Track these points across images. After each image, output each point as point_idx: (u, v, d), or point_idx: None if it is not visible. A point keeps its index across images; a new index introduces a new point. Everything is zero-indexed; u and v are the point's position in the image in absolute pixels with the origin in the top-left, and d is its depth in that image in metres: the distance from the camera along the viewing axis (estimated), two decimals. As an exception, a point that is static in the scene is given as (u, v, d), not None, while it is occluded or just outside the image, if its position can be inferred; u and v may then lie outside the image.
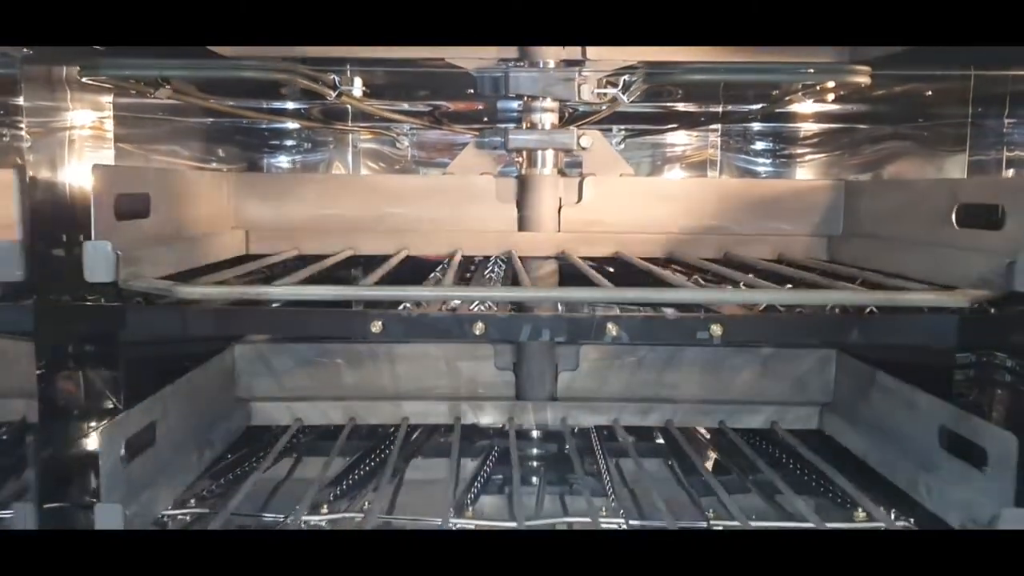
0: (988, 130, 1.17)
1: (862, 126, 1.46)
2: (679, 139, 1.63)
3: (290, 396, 1.26)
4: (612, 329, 0.85)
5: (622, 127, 1.57)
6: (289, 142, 1.64)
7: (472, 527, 0.95)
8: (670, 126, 1.52)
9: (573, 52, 1.07)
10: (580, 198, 1.20)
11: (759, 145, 1.61)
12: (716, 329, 0.85)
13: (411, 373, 1.26)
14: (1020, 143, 1.10)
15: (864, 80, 0.96)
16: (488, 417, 1.23)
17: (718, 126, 1.59)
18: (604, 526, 0.96)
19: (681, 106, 1.43)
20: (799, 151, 1.57)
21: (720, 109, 1.44)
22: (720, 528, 0.95)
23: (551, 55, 1.06)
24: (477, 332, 0.86)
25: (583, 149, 1.16)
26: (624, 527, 0.95)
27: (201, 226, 1.09)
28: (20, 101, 0.88)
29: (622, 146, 1.60)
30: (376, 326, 0.85)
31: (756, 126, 1.58)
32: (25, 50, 0.83)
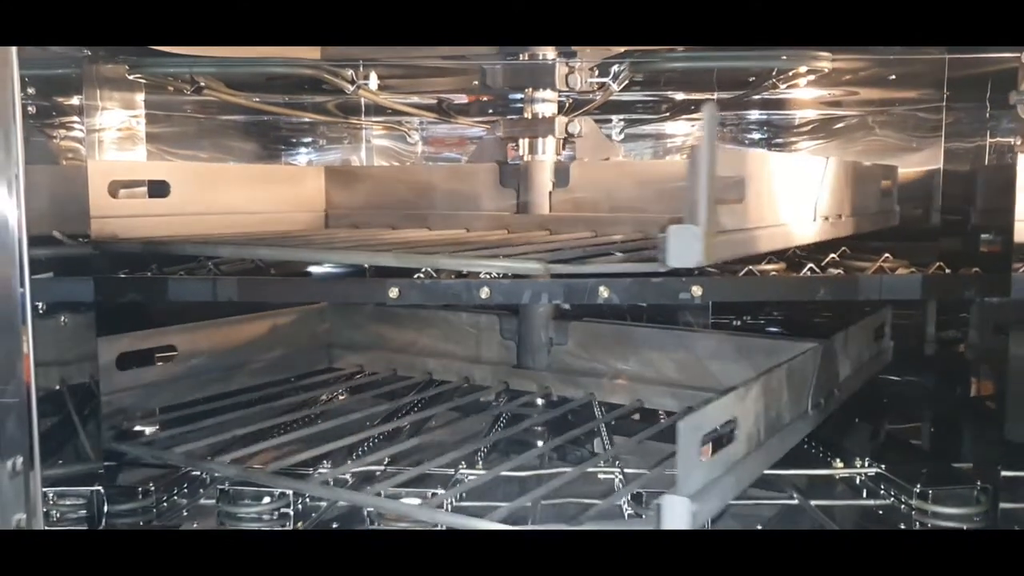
0: (966, 115, 1.22)
1: (846, 112, 1.52)
2: (678, 129, 1.71)
3: (358, 347, 1.45)
4: (604, 292, 0.95)
5: (620, 117, 1.67)
6: (307, 139, 1.74)
7: (480, 479, 1.06)
8: (663, 114, 1.61)
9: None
10: (567, 182, 1.26)
11: (754, 135, 1.70)
12: (696, 290, 0.95)
13: (437, 336, 1.38)
14: (1005, 130, 1.10)
15: (825, 65, 1.05)
16: (492, 379, 1.31)
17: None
18: (601, 476, 1.07)
19: (671, 94, 1.50)
20: (792, 139, 1.65)
21: (712, 96, 1.51)
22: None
23: (544, 49, 1.14)
24: (483, 296, 0.95)
25: (570, 135, 1.23)
26: (619, 477, 1.05)
27: (260, 207, 1.31)
28: (76, 101, 0.98)
29: (621, 136, 1.70)
30: (393, 292, 0.96)
31: (751, 115, 1.66)
32: (86, 50, 0.93)
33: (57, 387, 0.90)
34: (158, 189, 1.18)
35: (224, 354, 1.33)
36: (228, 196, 1.28)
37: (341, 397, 1.37)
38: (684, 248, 0.72)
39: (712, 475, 0.74)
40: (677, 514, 0.69)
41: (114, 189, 1.10)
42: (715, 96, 1.51)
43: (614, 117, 1.66)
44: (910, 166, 1.37)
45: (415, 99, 1.47)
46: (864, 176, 1.11)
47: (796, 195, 0.92)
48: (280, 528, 1.00)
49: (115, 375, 1.15)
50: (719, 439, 0.82)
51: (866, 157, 1.46)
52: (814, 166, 0.98)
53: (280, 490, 1.01)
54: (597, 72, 1.10)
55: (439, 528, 0.89)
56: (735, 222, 0.79)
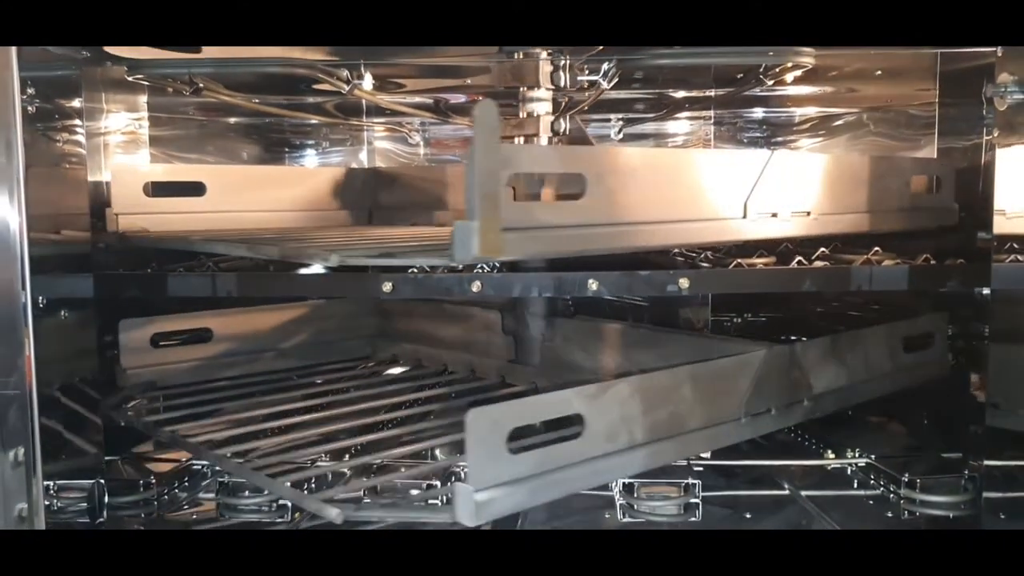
0: (958, 111, 1.20)
1: (840, 110, 1.53)
2: (679, 128, 1.73)
3: (396, 338, 1.50)
4: (592, 284, 0.96)
5: (619, 116, 1.68)
6: (310, 141, 1.76)
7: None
8: (660, 112, 1.62)
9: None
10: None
11: (753, 133, 1.71)
12: (684, 282, 0.96)
13: (457, 330, 1.40)
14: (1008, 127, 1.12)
15: (809, 61, 1.07)
16: (493, 373, 1.31)
17: (711, 114, 1.69)
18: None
19: (668, 92, 1.51)
20: (791, 137, 1.66)
21: (704, 94, 1.52)
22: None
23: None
24: (475, 289, 0.97)
25: (556, 134, 1.21)
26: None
27: (301, 204, 1.43)
28: (76, 103, 1.00)
29: (620, 135, 1.71)
30: (387, 286, 0.97)
31: (748, 113, 1.68)
32: (84, 52, 0.95)
33: (59, 381, 0.92)
34: (199, 189, 1.30)
35: (266, 339, 1.40)
36: (274, 196, 1.41)
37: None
38: (463, 243, 0.71)
39: (523, 470, 0.73)
40: (464, 504, 0.70)
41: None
42: (713, 93, 1.51)
43: (612, 116, 1.67)
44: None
45: (407, 98, 1.48)
46: (870, 171, 1.06)
47: (699, 191, 0.89)
48: (278, 519, 1.02)
49: (152, 352, 1.25)
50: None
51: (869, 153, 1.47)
52: (738, 161, 0.94)
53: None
54: (588, 70, 1.11)
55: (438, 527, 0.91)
56: (573, 218, 0.78)
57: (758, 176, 0.94)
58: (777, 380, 0.96)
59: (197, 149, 1.52)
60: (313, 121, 1.68)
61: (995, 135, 0.94)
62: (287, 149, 1.73)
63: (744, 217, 0.93)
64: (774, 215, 0.96)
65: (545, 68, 1.10)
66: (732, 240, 0.96)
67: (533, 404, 0.76)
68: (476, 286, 0.96)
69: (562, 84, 1.12)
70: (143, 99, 1.38)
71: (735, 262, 1.02)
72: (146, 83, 1.23)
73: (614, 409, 0.80)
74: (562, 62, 1.08)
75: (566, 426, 0.79)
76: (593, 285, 0.95)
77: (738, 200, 0.93)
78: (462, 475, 1.06)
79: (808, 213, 0.99)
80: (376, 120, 1.67)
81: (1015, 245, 0.96)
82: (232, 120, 1.58)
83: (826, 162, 1.03)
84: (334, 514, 0.77)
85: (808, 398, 1.00)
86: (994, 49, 0.93)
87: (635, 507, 1.02)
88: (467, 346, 1.38)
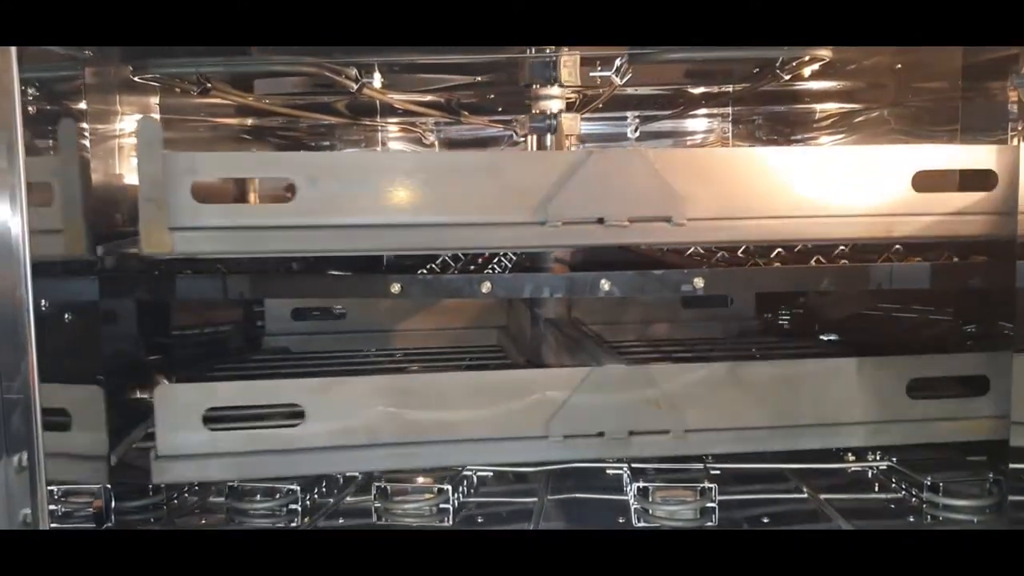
0: (983, 106, 1.21)
1: (862, 105, 1.51)
2: (697, 126, 1.71)
3: (507, 330, 1.51)
4: (605, 285, 0.95)
5: (636, 113, 1.66)
6: (325, 142, 1.75)
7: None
8: (675, 109, 1.60)
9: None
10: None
11: (771, 130, 1.69)
12: (698, 282, 0.94)
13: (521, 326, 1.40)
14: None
15: (826, 54, 1.04)
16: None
17: (729, 111, 1.67)
18: (609, 472, 1.08)
19: (686, 88, 1.49)
20: (810, 134, 1.63)
21: (721, 89, 1.50)
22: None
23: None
24: (484, 291, 0.96)
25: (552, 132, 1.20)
26: (627, 472, 1.05)
27: None
28: (83, 105, 0.99)
29: (637, 133, 1.69)
30: (395, 287, 0.96)
31: (766, 110, 1.66)
32: (87, 51, 0.94)
33: (64, 384, 0.91)
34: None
35: (395, 322, 1.53)
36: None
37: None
38: (142, 241, 0.83)
39: (225, 446, 0.89)
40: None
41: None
42: (731, 88, 1.49)
43: (629, 114, 1.65)
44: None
45: (417, 97, 1.47)
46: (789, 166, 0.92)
47: (461, 196, 0.88)
48: (288, 524, 1.01)
49: (291, 323, 1.49)
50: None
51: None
52: (528, 162, 0.92)
53: (288, 487, 1.01)
54: (599, 66, 1.09)
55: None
56: (278, 219, 0.86)
57: (564, 180, 0.88)
58: (618, 403, 0.93)
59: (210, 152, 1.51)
60: (326, 122, 1.68)
61: (1020, 128, 0.91)
62: (301, 151, 1.73)
63: (542, 224, 0.88)
64: (600, 220, 0.89)
65: (556, 65, 1.08)
66: (524, 247, 0.94)
67: (240, 388, 0.92)
68: (486, 287, 0.95)
69: (574, 81, 1.10)
70: (155, 101, 1.38)
71: (752, 261, 1.00)
72: (156, 84, 1.22)
73: (345, 404, 0.90)
74: (569, 58, 1.07)
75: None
76: (605, 285, 0.94)
77: (527, 205, 0.88)
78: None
79: (668, 219, 0.89)
80: (389, 120, 1.66)
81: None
82: (249, 121, 1.57)
83: (699, 159, 0.93)
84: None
85: (676, 432, 0.95)
86: (1018, 39, 0.90)
87: (650, 511, 1.00)
88: (518, 341, 1.39)
